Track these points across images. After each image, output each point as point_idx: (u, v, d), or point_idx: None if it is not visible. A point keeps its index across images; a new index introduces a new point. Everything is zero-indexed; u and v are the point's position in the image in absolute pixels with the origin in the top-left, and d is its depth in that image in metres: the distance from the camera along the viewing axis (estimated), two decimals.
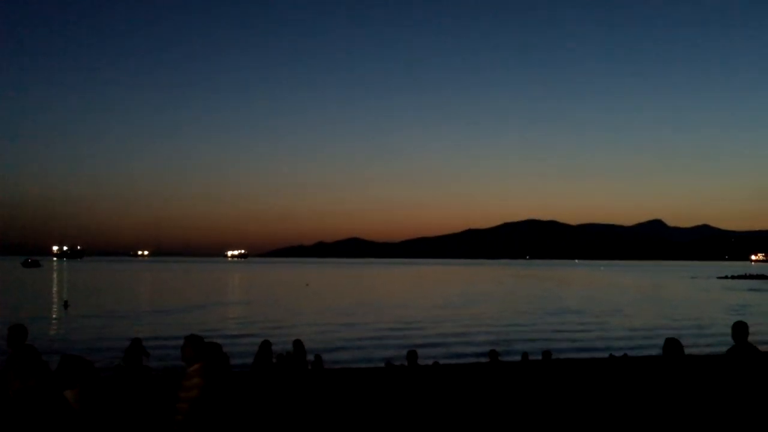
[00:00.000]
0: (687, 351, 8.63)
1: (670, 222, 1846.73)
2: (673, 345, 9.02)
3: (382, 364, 25.04)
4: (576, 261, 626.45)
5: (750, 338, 8.39)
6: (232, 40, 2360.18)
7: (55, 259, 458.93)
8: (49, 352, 19.63)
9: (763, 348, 10.72)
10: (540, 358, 17.30)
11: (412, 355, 14.03)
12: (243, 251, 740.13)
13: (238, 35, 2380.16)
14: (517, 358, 19.30)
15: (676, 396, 8.58)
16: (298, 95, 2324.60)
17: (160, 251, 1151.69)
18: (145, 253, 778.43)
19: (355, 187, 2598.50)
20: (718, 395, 8.55)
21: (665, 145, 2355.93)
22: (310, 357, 16.95)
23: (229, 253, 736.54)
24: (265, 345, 15.83)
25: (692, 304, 66.77)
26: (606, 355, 24.65)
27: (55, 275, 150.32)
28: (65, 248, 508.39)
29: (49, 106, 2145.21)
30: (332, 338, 35.21)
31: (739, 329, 8.64)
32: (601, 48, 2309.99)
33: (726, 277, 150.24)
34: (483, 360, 22.42)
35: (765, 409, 7.74)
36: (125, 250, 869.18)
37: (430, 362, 19.38)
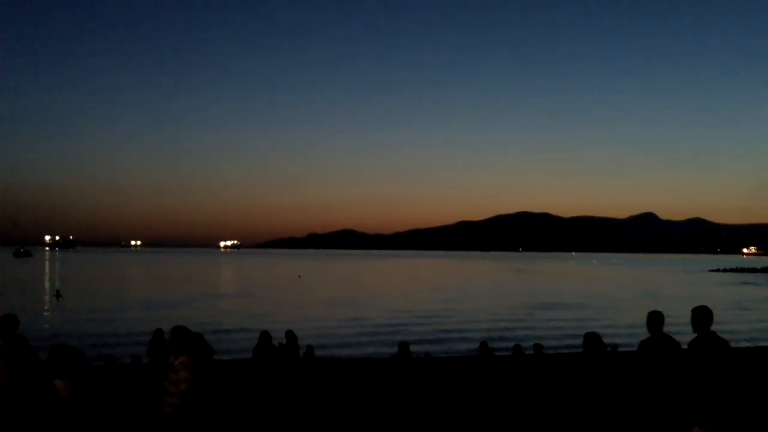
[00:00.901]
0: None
1: (663, 215, 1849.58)
2: (592, 339, 9.05)
3: (373, 356, 25.07)
4: (573, 254, 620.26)
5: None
6: (226, 35, 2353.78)
7: (47, 249, 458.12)
8: (40, 342, 19.62)
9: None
10: (531, 351, 17.34)
11: (403, 346, 14.06)
12: (236, 242, 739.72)
13: (232, 31, 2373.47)
14: (509, 352, 19.33)
15: (597, 389, 8.60)
16: (293, 89, 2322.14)
17: (152, 242, 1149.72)
18: (138, 243, 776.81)
19: (349, 179, 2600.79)
20: (632, 387, 8.36)
21: (658, 139, 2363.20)
22: (302, 348, 16.97)
23: (222, 243, 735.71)
24: (265, 336, 15.90)
25: (684, 297, 66.98)
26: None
27: (46, 265, 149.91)
28: (57, 238, 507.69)
29: (42, 99, 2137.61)
30: (324, 330, 35.18)
31: (654, 319, 8.41)
32: (596, 44, 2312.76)
33: (718, 270, 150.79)
34: (474, 353, 22.45)
35: (679, 400, 7.51)
36: (117, 241, 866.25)
37: (421, 354, 19.39)
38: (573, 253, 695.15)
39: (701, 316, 7.64)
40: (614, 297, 66.22)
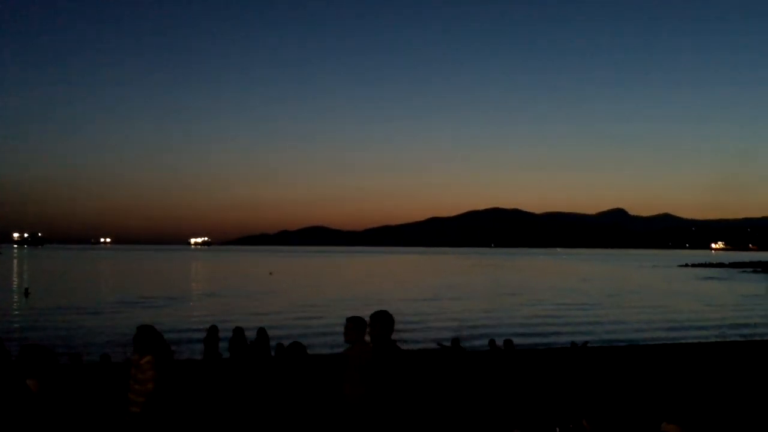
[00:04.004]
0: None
1: (632, 211, 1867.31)
2: (296, 348, 9.02)
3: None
4: (558, 250, 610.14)
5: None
6: (210, 30, 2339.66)
7: (15, 246, 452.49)
8: (8, 340, 19.48)
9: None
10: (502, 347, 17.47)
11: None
12: (207, 239, 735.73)
13: (219, 27, 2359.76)
14: (485, 347, 19.44)
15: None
16: (263, 87, 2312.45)
17: (123, 239, 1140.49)
18: (108, 240, 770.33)
19: (319, 175, 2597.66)
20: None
21: (627, 136, 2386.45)
22: (273, 345, 16.97)
23: (193, 240, 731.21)
24: (238, 331, 15.89)
25: (653, 292, 67.77)
26: (567, 343, 24.98)
27: (15, 263, 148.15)
28: (26, 235, 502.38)
29: (11, 95, 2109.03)
30: (295, 327, 35.13)
31: (357, 324, 7.83)
32: (565, 41, 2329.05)
33: (686, 266, 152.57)
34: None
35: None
36: (87, 238, 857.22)
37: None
38: (558, 249, 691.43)
39: (382, 322, 7.07)
40: (584, 293, 66.71)
